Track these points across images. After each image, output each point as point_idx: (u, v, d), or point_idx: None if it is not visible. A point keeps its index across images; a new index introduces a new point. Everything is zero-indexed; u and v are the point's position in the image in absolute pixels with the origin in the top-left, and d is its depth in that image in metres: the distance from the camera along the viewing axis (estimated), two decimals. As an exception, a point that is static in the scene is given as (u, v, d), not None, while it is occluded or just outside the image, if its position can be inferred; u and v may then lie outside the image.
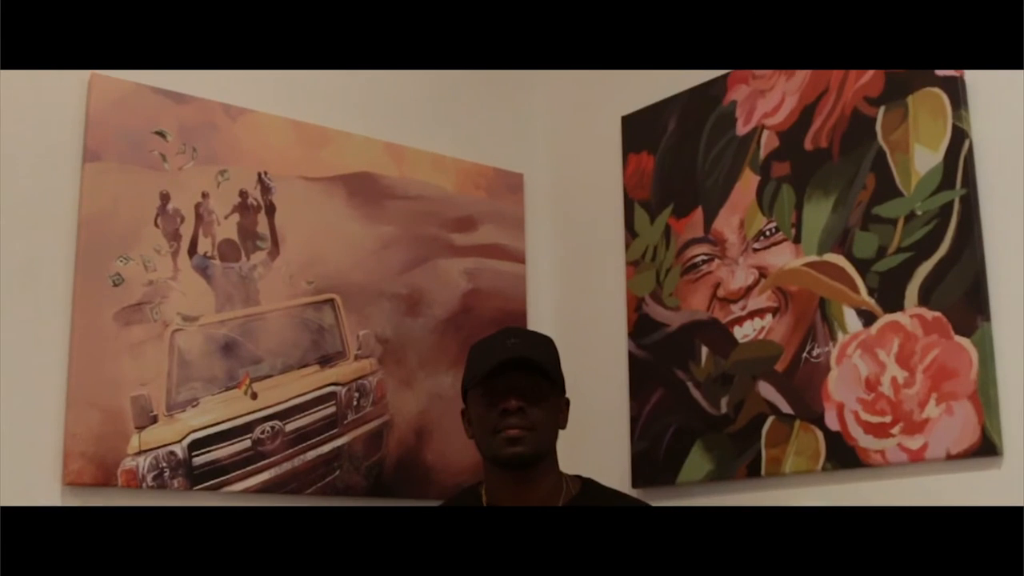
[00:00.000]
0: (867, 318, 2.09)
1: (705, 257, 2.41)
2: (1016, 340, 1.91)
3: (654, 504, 2.22)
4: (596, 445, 2.55)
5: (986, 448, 1.89)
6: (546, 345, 2.14)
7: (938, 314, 1.99)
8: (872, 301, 2.08)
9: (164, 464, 2.17)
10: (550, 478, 2.09)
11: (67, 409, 2.10)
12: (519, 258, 2.79)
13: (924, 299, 2.01)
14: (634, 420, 2.48)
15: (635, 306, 2.53)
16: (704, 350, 2.37)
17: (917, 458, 1.98)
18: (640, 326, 2.51)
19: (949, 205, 1.99)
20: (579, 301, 2.77)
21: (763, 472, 2.21)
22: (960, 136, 1.99)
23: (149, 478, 2.14)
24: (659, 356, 2.46)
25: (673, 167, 2.51)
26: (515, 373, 2.05)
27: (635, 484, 2.42)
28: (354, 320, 2.49)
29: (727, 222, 2.36)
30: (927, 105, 2.05)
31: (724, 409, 2.31)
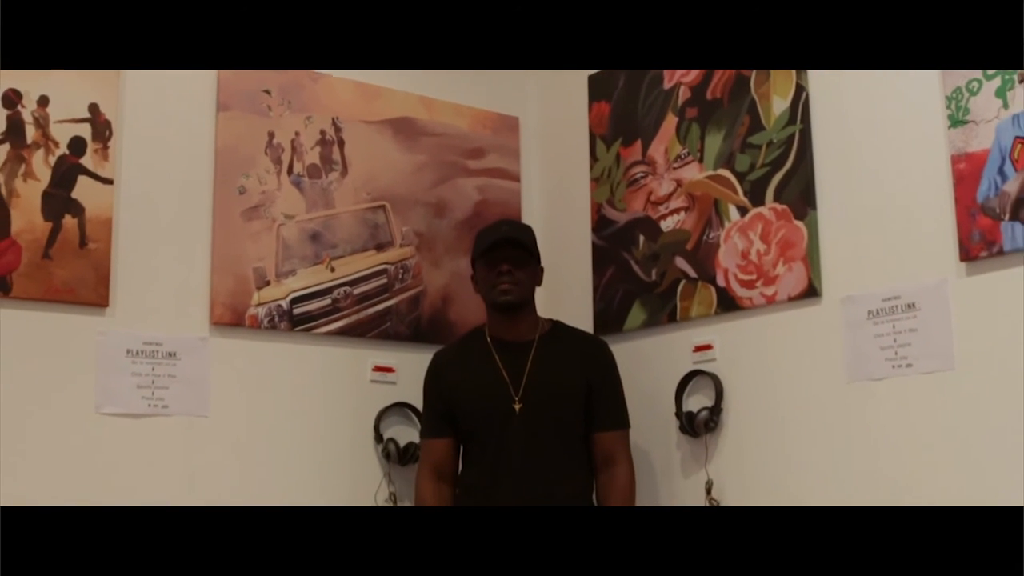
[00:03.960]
0: (743, 212, 2.88)
1: (642, 174, 3.17)
2: (832, 223, 2.68)
3: (608, 343, 2.99)
4: (571, 306, 3.28)
5: (811, 292, 2.68)
6: (528, 230, 2.92)
7: (784, 207, 2.77)
8: (746, 200, 2.87)
9: (275, 313, 2.99)
10: (530, 318, 2.91)
11: (212, 275, 2.90)
12: (515, 178, 3.47)
13: (777, 197, 2.79)
14: (595, 288, 3.26)
15: (596, 209, 3.29)
16: (641, 238, 3.15)
17: (771, 301, 2.78)
18: (600, 223, 3.28)
19: (792, 136, 2.77)
20: (558, 207, 3.45)
21: (678, 318, 3.00)
22: (800, 90, 2.77)
23: (265, 321, 2.96)
24: (612, 244, 3.23)
25: (622, 111, 3.25)
26: (506, 247, 2.81)
27: (596, 332, 3.19)
28: (399, 220, 3.23)
29: (657, 149, 3.14)
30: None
31: (654, 277, 3.09)
